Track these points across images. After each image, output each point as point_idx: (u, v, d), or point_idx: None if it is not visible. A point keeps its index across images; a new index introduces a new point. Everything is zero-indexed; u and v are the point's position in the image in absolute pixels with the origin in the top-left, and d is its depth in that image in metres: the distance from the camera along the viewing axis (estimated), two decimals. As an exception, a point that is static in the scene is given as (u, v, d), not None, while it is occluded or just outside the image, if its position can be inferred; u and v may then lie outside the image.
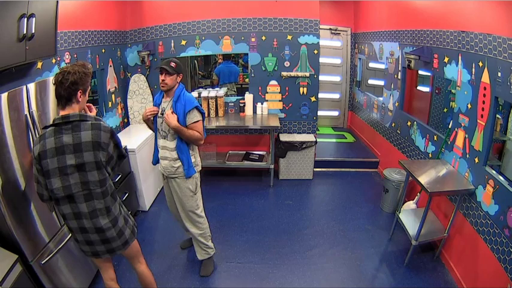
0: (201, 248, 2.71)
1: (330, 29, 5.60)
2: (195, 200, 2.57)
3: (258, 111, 4.39)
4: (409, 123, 3.70)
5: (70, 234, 2.03)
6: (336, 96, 6.05)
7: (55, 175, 1.60)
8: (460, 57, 2.63)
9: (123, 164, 2.82)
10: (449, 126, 2.86)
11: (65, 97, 1.61)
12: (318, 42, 4.17)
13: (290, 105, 4.40)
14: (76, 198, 1.65)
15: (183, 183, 2.49)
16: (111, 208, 1.74)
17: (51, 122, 1.66)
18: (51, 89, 2.19)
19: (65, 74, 1.58)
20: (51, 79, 1.67)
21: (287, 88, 4.33)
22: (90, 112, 1.80)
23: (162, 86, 2.34)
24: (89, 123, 1.63)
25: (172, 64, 2.30)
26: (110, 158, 1.72)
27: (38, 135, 1.91)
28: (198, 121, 2.37)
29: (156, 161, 2.63)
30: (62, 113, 1.63)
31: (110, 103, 3.78)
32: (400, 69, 3.92)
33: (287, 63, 4.24)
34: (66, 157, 1.59)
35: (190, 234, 2.72)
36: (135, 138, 3.60)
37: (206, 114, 4.04)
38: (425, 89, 4.07)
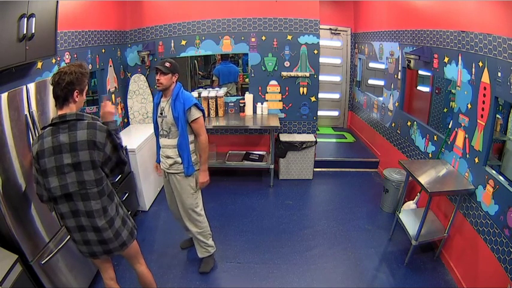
0: (201, 246, 2.73)
1: (330, 29, 5.60)
2: (194, 198, 2.59)
3: (258, 111, 4.39)
4: (409, 123, 3.70)
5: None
6: (336, 96, 6.05)
7: (52, 174, 1.61)
8: (460, 57, 2.63)
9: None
10: (449, 126, 2.86)
11: (62, 97, 1.62)
12: (318, 42, 4.17)
13: (290, 105, 4.40)
14: (74, 196, 1.65)
15: (184, 180, 2.53)
16: (107, 209, 1.74)
17: (49, 122, 1.66)
18: (51, 89, 2.19)
19: (61, 74, 1.60)
20: (49, 79, 1.68)
21: (287, 88, 4.33)
22: (105, 109, 1.83)
23: (158, 86, 2.39)
24: (85, 122, 1.64)
25: (167, 64, 2.35)
26: (107, 159, 1.70)
27: (37, 135, 1.91)
28: (198, 117, 2.42)
29: (159, 161, 2.68)
30: (60, 112, 1.64)
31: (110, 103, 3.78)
32: (400, 69, 3.92)
33: (287, 63, 4.24)
34: (63, 156, 1.60)
35: (190, 233, 2.74)
36: (135, 138, 3.61)
37: (206, 115, 4.07)
38: (425, 89, 4.07)
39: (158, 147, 2.64)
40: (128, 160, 1.84)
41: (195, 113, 2.41)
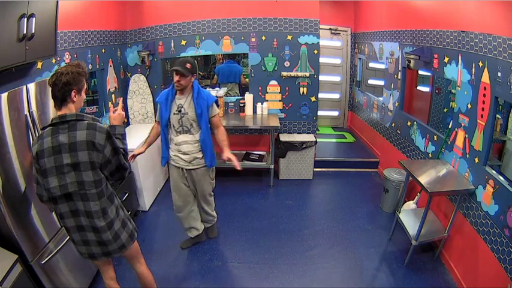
0: (209, 221, 3.08)
1: (330, 29, 5.60)
2: (212, 184, 2.89)
3: (258, 111, 4.39)
4: (409, 123, 3.70)
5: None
6: (336, 96, 6.05)
7: (52, 174, 1.61)
8: (460, 57, 2.63)
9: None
10: (449, 126, 2.86)
11: (60, 98, 1.62)
12: (318, 42, 4.17)
13: (290, 105, 4.40)
14: (73, 196, 1.65)
15: (205, 173, 2.73)
16: (107, 210, 1.73)
17: (49, 122, 1.66)
18: (50, 90, 2.19)
19: (58, 75, 1.60)
20: (47, 80, 1.68)
21: (287, 88, 4.33)
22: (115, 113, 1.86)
23: (177, 86, 2.46)
24: (85, 122, 1.64)
25: (188, 65, 2.41)
26: (107, 162, 1.67)
27: (37, 135, 1.91)
28: (218, 113, 2.65)
29: (166, 161, 2.73)
30: (59, 113, 1.64)
31: (110, 103, 3.78)
32: (400, 69, 3.92)
33: (287, 63, 4.24)
34: (63, 156, 1.60)
35: (190, 231, 2.92)
36: (135, 138, 3.59)
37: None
38: (425, 89, 4.07)
39: (166, 150, 2.67)
40: (129, 165, 1.82)
41: (216, 109, 2.62)
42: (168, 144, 2.66)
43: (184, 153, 2.60)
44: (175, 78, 2.42)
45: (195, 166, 2.64)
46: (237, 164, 2.57)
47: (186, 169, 2.66)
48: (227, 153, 2.62)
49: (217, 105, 2.66)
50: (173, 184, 2.79)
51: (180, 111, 2.51)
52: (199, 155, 2.62)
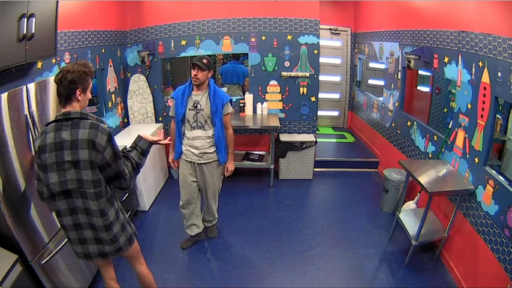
0: (211, 221, 3.12)
1: (330, 29, 5.60)
2: (221, 180, 2.95)
3: (258, 111, 4.39)
4: (409, 123, 3.70)
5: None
6: (336, 96, 6.05)
7: (52, 169, 1.61)
8: (460, 57, 2.64)
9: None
10: (449, 126, 2.86)
11: (64, 96, 1.63)
12: (318, 42, 4.17)
13: (290, 105, 4.40)
14: (72, 193, 1.65)
15: (217, 168, 2.81)
16: (106, 212, 1.72)
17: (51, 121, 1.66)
18: (51, 89, 2.19)
19: (64, 72, 1.60)
20: (52, 78, 1.68)
21: (287, 88, 4.33)
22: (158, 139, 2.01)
23: (195, 81, 2.57)
24: (88, 121, 1.64)
25: (205, 61, 2.54)
26: (106, 165, 1.66)
27: (41, 131, 1.91)
28: (230, 112, 2.73)
29: (179, 154, 2.79)
30: (64, 110, 1.64)
31: (110, 103, 3.78)
32: (400, 69, 3.92)
33: (287, 63, 4.24)
34: (64, 153, 1.60)
35: (191, 228, 2.96)
36: (134, 138, 3.59)
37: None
38: (425, 89, 4.08)
39: (179, 144, 2.75)
40: (130, 177, 1.79)
41: (229, 108, 2.71)
42: (181, 139, 2.74)
43: (195, 148, 2.69)
44: (193, 72, 2.54)
45: (206, 161, 2.73)
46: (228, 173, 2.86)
47: (197, 163, 2.74)
48: (230, 165, 2.81)
49: (232, 105, 2.76)
50: (182, 179, 2.83)
51: (196, 107, 2.62)
52: (210, 150, 2.71)
